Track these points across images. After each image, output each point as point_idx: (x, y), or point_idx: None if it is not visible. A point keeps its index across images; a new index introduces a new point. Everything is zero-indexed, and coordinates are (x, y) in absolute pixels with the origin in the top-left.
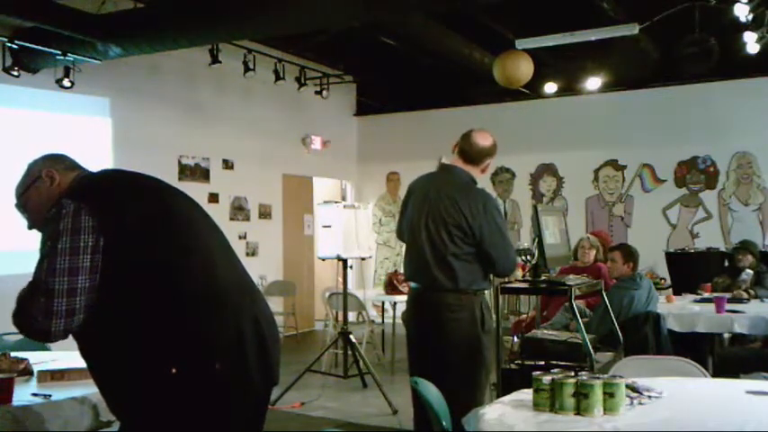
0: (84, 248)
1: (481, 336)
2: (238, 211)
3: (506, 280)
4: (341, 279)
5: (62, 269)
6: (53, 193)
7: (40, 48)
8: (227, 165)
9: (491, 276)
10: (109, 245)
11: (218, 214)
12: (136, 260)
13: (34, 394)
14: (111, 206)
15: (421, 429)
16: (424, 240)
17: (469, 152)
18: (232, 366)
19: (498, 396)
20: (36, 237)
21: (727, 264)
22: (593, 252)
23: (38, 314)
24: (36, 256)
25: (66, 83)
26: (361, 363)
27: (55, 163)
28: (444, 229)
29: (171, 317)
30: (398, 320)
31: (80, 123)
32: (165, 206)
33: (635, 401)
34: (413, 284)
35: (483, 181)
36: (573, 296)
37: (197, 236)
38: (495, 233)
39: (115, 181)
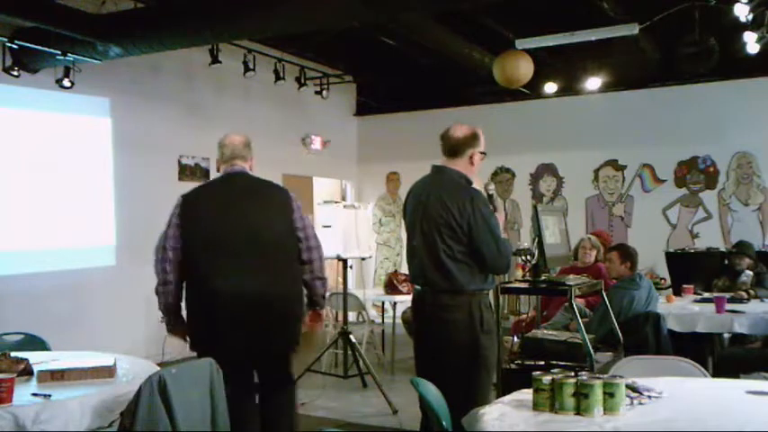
0: None
1: (480, 336)
2: None
3: (506, 279)
4: (341, 279)
5: None
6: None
7: (40, 48)
8: None
9: (492, 276)
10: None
11: None
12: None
13: (34, 394)
14: (187, 218)
15: (426, 429)
16: (420, 242)
17: (446, 146)
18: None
19: (498, 396)
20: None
21: (727, 262)
22: (594, 252)
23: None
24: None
25: (66, 83)
26: (361, 363)
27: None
28: (436, 230)
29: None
30: (398, 320)
31: (80, 123)
32: (213, 230)
33: (635, 401)
34: (415, 286)
35: (480, 179)
36: (573, 296)
37: (217, 254)
38: (484, 230)
39: (199, 196)
